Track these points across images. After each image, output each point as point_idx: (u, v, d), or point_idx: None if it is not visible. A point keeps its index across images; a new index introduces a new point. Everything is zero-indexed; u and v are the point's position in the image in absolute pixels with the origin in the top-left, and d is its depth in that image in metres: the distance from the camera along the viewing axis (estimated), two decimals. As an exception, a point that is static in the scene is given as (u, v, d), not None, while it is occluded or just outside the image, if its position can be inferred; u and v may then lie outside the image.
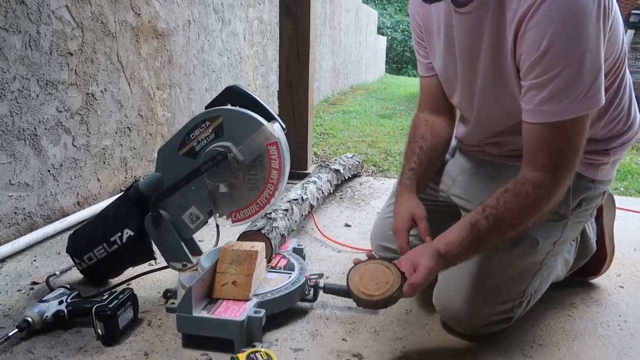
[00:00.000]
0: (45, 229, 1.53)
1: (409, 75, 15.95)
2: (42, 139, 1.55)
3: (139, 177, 1.24)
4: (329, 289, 1.17)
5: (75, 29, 1.65)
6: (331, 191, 1.98)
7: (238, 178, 1.12)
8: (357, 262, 1.01)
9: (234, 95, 1.15)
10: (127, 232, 1.18)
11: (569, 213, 1.06)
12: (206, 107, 1.13)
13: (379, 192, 2.19)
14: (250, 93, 1.16)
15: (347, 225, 1.76)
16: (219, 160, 1.09)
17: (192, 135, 1.12)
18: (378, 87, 9.02)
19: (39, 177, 1.56)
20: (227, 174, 1.10)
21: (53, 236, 1.56)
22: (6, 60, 1.39)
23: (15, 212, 1.48)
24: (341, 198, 2.10)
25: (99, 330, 1.00)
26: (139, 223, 1.18)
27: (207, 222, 1.18)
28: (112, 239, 1.19)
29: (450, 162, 1.28)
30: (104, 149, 1.86)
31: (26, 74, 1.47)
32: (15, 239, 1.45)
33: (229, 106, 1.12)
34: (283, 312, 1.11)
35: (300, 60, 2.30)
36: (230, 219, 1.15)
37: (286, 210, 1.39)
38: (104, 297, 1.04)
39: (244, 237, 1.21)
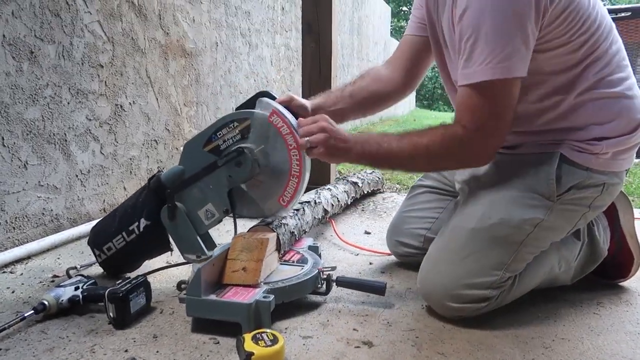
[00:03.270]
0: (70, 231, 1.58)
1: (439, 111, 15.94)
2: (71, 144, 1.62)
3: (162, 168, 1.27)
4: (342, 282, 1.15)
5: (106, 42, 1.74)
6: (348, 202, 1.97)
7: (260, 175, 1.12)
8: None
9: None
10: (144, 222, 1.20)
11: (554, 197, 1.04)
12: (236, 109, 1.16)
13: (402, 205, 2.16)
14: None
15: (366, 232, 1.74)
16: (235, 156, 1.10)
17: (219, 134, 1.13)
18: (407, 119, 9.04)
19: (67, 181, 1.62)
20: (250, 173, 1.11)
21: (78, 238, 1.61)
22: (40, 67, 1.48)
23: (43, 213, 1.54)
24: (362, 210, 2.08)
25: (111, 314, 1.01)
26: (156, 213, 1.20)
27: (221, 220, 1.18)
28: (130, 228, 1.21)
29: None
30: (130, 159, 1.92)
31: (58, 82, 1.55)
32: (41, 238, 1.50)
33: (258, 110, 1.13)
34: (294, 303, 1.09)
35: (322, 77, 2.35)
36: (282, 205, 1.14)
37: (297, 210, 1.39)
38: (117, 282, 1.06)
39: (253, 230, 1.21)
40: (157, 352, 0.92)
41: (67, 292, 1.07)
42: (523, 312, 1.10)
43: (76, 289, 1.09)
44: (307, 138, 1.07)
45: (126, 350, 0.93)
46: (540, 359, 0.92)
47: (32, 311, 1.02)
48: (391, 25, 9.91)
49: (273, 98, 1.15)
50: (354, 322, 1.06)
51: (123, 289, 1.02)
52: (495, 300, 1.04)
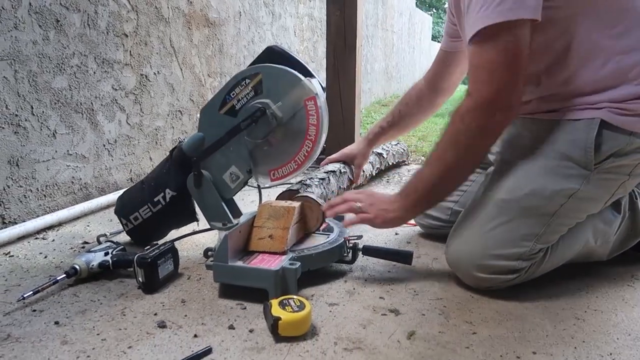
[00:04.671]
0: (99, 200, 1.61)
1: (464, 83, 15.58)
2: (98, 114, 1.64)
3: (183, 138, 1.28)
4: (368, 251, 1.15)
5: (130, 11, 1.73)
6: (373, 174, 1.95)
7: (277, 135, 1.12)
8: None
9: (274, 54, 1.16)
10: (169, 192, 1.21)
11: (592, 165, 0.98)
12: (249, 65, 1.15)
13: (427, 177, 2.13)
14: (290, 52, 1.17)
15: (392, 203, 1.72)
16: (258, 116, 1.10)
17: (233, 94, 1.14)
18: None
19: (95, 150, 1.64)
20: (266, 131, 1.11)
21: (107, 207, 1.63)
22: (66, 36, 1.48)
23: (72, 182, 1.56)
24: (387, 181, 2.06)
25: (140, 278, 1.03)
26: (181, 183, 1.20)
27: (247, 182, 1.19)
28: (155, 199, 1.22)
29: None
30: (156, 129, 1.93)
31: (84, 51, 1.55)
32: (71, 205, 1.53)
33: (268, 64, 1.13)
34: (320, 271, 1.09)
35: (347, 47, 2.30)
36: (269, 178, 1.16)
37: (322, 179, 1.37)
38: (146, 248, 1.07)
39: (280, 198, 1.21)
40: (186, 316, 0.94)
41: (97, 257, 1.09)
42: (553, 284, 1.08)
43: (106, 254, 1.10)
44: (358, 204, 1.10)
45: (155, 314, 0.94)
46: (571, 329, 0.90)
47: (64, 275, 1.04)
48: (416, -4, 9.64)
49: (283, 52, 1.15)
50: (380, 291, 1.05)
51: (151, 254, 1.03)
52: (525, 272, 1.02)
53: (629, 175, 1.02)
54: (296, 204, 1.11)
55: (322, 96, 1.11)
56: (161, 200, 1.22)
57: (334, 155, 1.54)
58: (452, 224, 1.25)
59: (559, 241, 1.04)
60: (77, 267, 1.06)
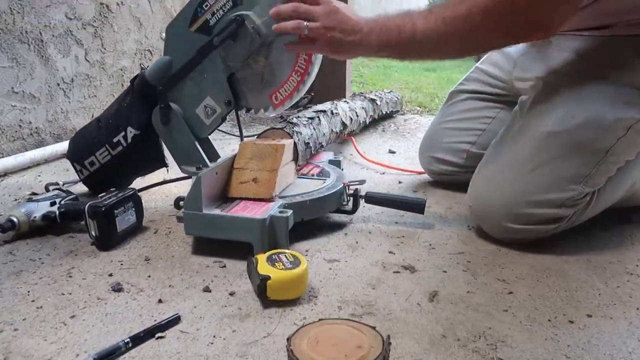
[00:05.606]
0: (54, 147, 1.38)
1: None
2: (49, 46, 1.39)
3: (146, 66, 1.06)
4: (372, 198, 0.96)
5: None
6: (367, 121, 1.75)
7: (260, 57, 0.91)
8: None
9: None
10: (131, 131, 1.00)
11: None
12: None
13: (427, 127, 1.93)
14: None
15: (391, 151, 1.54)
16: (234, 29, 0.88)
17: (206, 6, 0.91)
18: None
19: (47, 89, 1.40)
20: (248, 49, 0.90)
21: (63, 156, 1.41)
22: (2, -54, 1.22)
23: (20, 125, 1.33)
24: (383, 130, 1.87)
25: (93, 232, 0.83)
26: (145, 119, 0.99)
27: (225, 117, 0.98)
28: (115, 140, 1.01)
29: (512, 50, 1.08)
30: (121, 69, 1.69)
31: (27, -32, 1.30)
32: (19, 153, 1.31)
33: None
34: (315, 223, 0.91)
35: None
36: (270, 106, 0.94)
37: (311, 118, 1.16)
38: (100, 195, 0.86)
39: (264, 137, 1.00)
40: (149, 276, 0.75)
41: (40, 208, 0.88)
42: (591, 235, 0.91)
43: (52, 204, 0.90)
44: (306, 24, 0.81)
45: (110, 275, 0.75)
46: (626, 287, 0.74)
47: (-2, 229, 0.84)
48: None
49: None
50: (388, 244, 0.87)
51: (107, 202, 0.83)
52: (567, 220, 0.85)
53: None
54: (287, 142, 0.91)
55: None
56: (122, 140, 1.01)
57: None
58: (469, 169, 1.07)
59: (606, 183, 0.87)
60: (15, 219, 0.86)
